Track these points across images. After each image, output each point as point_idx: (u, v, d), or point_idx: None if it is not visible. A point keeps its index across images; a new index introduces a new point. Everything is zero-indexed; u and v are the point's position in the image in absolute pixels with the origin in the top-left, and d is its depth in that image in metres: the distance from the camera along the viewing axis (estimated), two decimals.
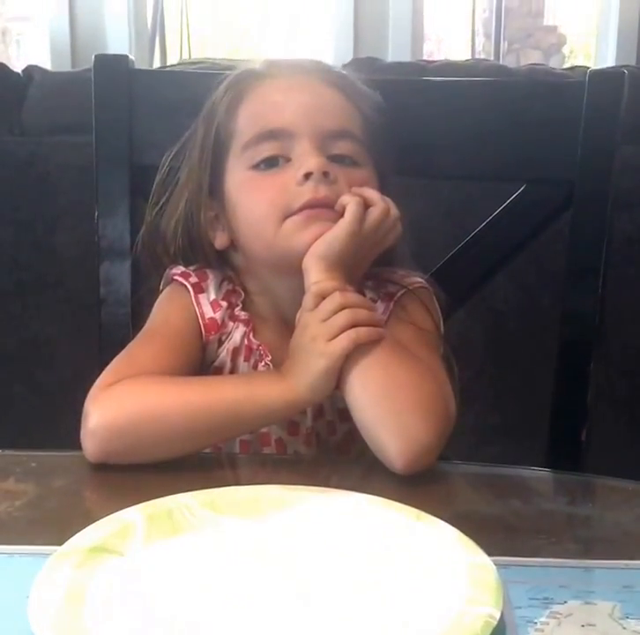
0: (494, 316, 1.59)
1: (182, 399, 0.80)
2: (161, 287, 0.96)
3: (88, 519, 0.61)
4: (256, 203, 0.88)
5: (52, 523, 0.67)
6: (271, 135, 0.88)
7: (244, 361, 0.92)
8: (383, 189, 0.90)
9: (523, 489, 0.77)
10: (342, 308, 0.81)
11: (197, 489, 0.65)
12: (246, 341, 0.92)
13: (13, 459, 0.79)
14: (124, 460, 0.76)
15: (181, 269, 0.95)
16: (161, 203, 0.95)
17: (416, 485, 0.73)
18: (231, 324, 0.92)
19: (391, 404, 0.78)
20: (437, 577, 0.56)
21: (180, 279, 0.93)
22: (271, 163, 0.88)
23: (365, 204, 0.86)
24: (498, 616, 0.51)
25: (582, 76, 1.00)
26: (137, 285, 1.05)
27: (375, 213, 0.86)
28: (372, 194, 0.87)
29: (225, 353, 0.92)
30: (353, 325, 0.80)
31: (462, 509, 0.71)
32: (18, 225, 1.66)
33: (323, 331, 0.80)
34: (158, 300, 0.95)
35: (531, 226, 1.04)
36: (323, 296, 0.82)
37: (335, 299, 0.81)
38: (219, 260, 0.95)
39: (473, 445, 1.51)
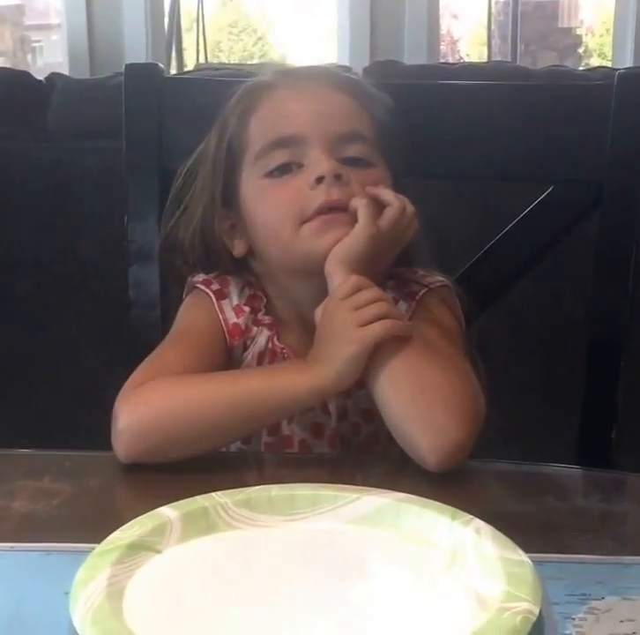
0: (517, 315, 1.58)
1: (209, 393, 0.80)
2: (184, 296, 0.97)
3: (123, 517, 0.61)
4: (271, 209, 0.89)
5: (87, 521, 0.68)
6: (283, 142, 0.89)
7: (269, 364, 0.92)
8: (398, 188, 0.90)
9: (556, 486, 0.76)
10: (377, 300, 0.81)
11: (226, 489, 0.65)
12: (271, 345, 0.92)
13: (48, 458, 0.80)
14: (155, 459, 0.77)
15: (202, 277, 0.95)
16: (176, 215, 0.95)
17: (447, 483, 0.73)
18: (255, 328, 0.92)
19: (422, 401, 0.78)
20: (474, 573, 0.56)
21: (202, 286, 0.94)
22: (284, 170, 0.89)
23: (380, 203, 0.86)
24: (537, 611, 0.51)
25: (603, 76, 1.00)
26: (165, 288, 1.05)
27: (391, 213, 0.86)
28: (386, 193, 0.87)
29: (251, 357, 0.92)
30: (385, 318, 0.80)
31: (495, 506, 0.71)
32: (42, 230, 1.67)
33: (354, 317, 0.80)
34: (181, 307, 0.96)
35: (558, 227, 1.03)
36: (360, 288, 0.82)
37: (373, 291, 0.82)
38: (239, 267, 0.95)
39: (498, 445, 1.50)
